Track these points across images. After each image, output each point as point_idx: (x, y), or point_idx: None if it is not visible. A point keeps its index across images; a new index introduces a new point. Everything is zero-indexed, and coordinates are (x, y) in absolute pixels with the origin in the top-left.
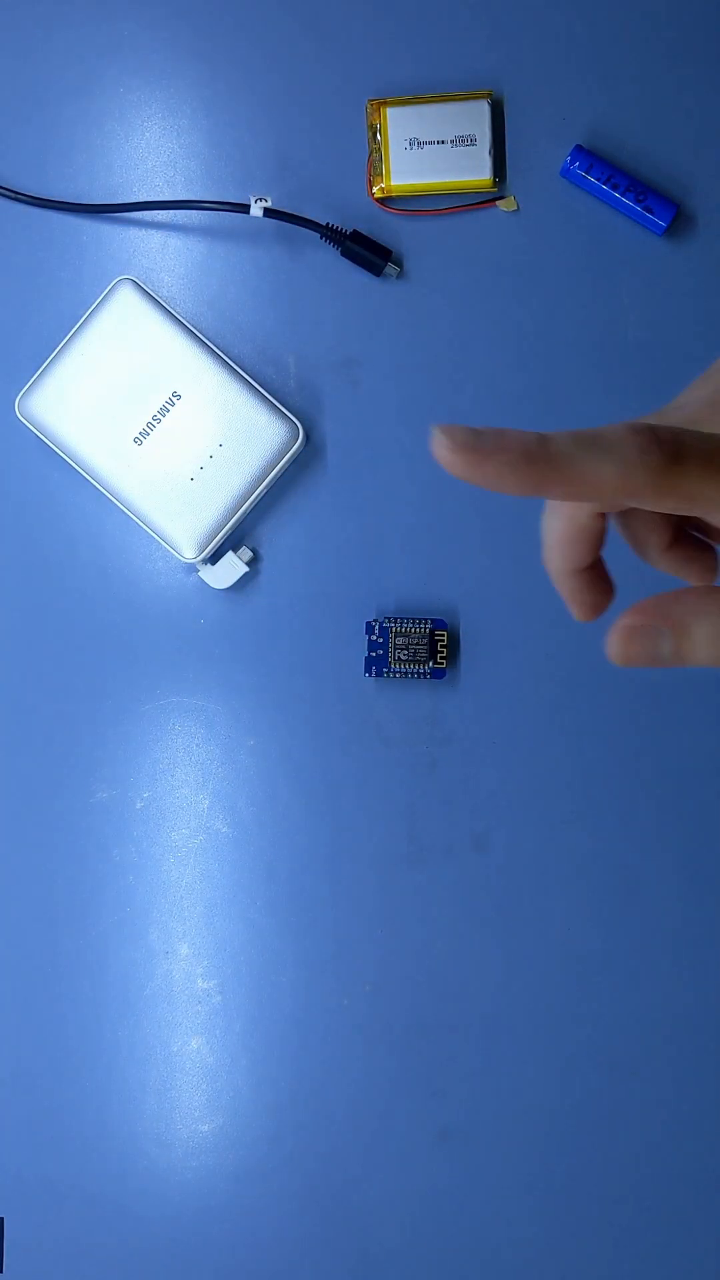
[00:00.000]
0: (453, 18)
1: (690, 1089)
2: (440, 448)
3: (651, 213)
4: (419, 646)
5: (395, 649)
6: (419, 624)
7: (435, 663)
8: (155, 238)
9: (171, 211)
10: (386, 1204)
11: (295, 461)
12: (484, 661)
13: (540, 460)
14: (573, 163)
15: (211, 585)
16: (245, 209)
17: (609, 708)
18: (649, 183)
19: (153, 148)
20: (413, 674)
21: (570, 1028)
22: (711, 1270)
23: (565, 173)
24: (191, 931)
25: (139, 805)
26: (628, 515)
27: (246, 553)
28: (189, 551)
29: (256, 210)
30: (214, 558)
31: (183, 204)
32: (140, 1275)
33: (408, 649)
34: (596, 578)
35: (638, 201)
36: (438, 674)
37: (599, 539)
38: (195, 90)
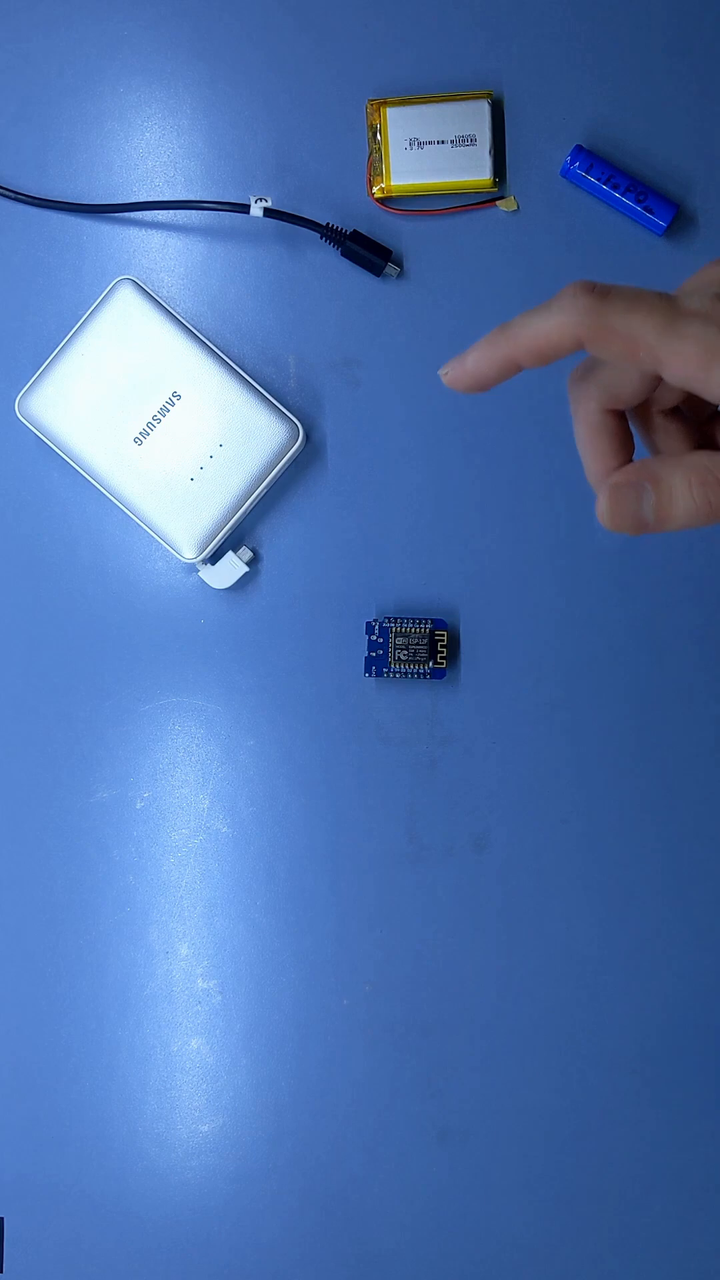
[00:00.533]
0: (453, 18)
1: (690, 1088)
2: (445, 380)
3: (651, 213)
4: (419, 646)
5: (395, 649)
6: (419, 624)
7: (435, 663)
8: (155, 238)
9: (171, 211)
10: (386, 1204)
11: (295, 461)
12: (484, 661)
13: (499, 335)
14: (573, 163)
15: (211, 585)
16: (245, 209)
17: (609, 708)
18: (649, 183)
19: (153, 148)
20: (413, 674)
21: (570, 1027)
22: (712, 1270)
23: (565, 173)
24: (191, 931)
25: (139, 805)
26: (649, 429)
27: (246, 553)
28: (189, 551)
29: (256, 210)
30: (214, 558)
31: (183, 204)
32: (140, 1275)
33: (408, 649)
34: None
35: (638, 201)
36: (438, 674)
37: (621, 439)
38: (195, 90)
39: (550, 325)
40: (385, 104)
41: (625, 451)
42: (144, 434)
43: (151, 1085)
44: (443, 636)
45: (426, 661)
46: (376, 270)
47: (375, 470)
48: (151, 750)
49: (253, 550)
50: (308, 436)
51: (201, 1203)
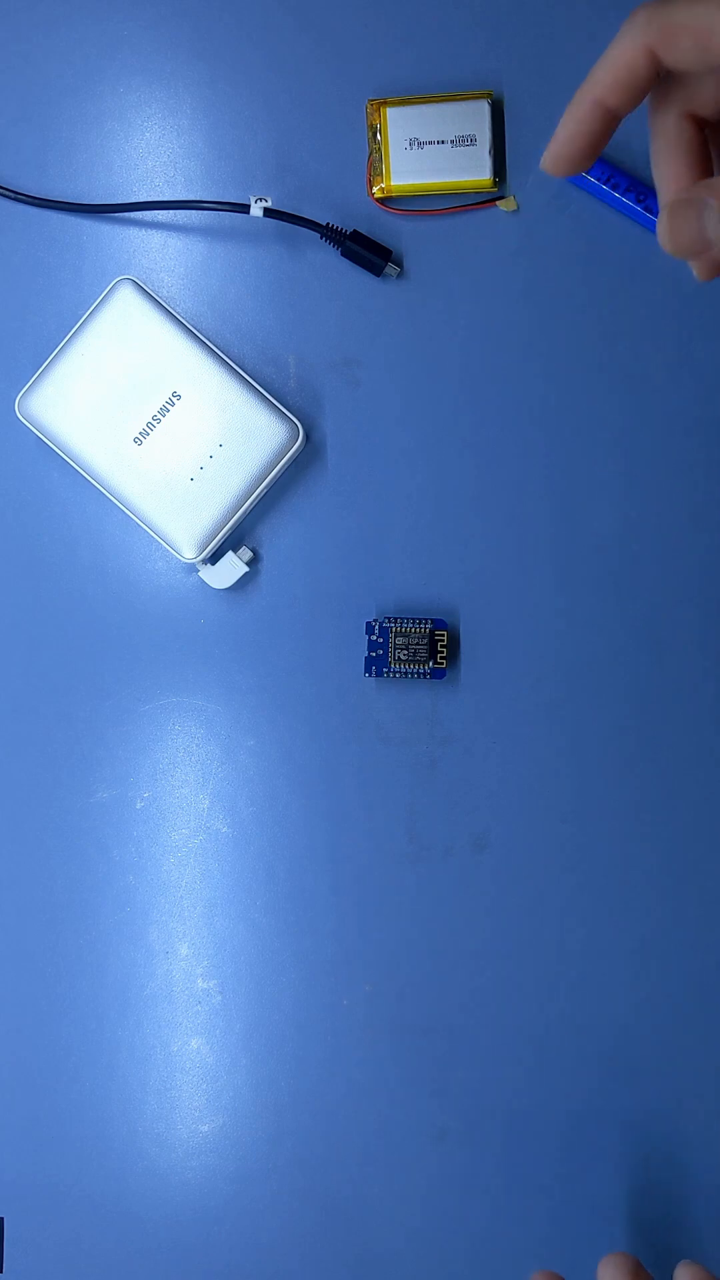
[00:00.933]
0: (453, 18)
1: (690, 1088)
2: (545, 168)
3: (651, 213)
4: (419, 646)
5: (395, 649)
6: (419, 624)
7: (435, 663)
8: (155, 238)
9: (171, 211)
10: (386, 1204)
11: (295, 461)
12: (484, 661)
13: (579, 90)
14: None
15: (211, 585)
16: (245, 209)
17: (609, 708)
18: (649, 183)
19: (153, 148)
20: (413, 674)
21: (570, 1027)
22: (713, 1269)
23: None
24: (191, 931)
25: (139, 805)
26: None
27: (246, 553)
28: (189, 551)
29: (256, 210)
30: (214, 558)
31: (183, 204)
32: (140, 1276)
33: (408, 649)
34: None
35: (638, 201)
36: (438, 674)
37: (700, 158)
38: (195, 90)
39: (618, 48)
40: (385, 104)
41: (702, 174)
42: (144, 434)
43: (151, 1085)
44: (443, 636)
45: (426, 661)
46: (376, 270)
47: (375, 470)
48: (151, 750)
49: (253, 550)
50: (308, 436)
51: (201, 1203)
